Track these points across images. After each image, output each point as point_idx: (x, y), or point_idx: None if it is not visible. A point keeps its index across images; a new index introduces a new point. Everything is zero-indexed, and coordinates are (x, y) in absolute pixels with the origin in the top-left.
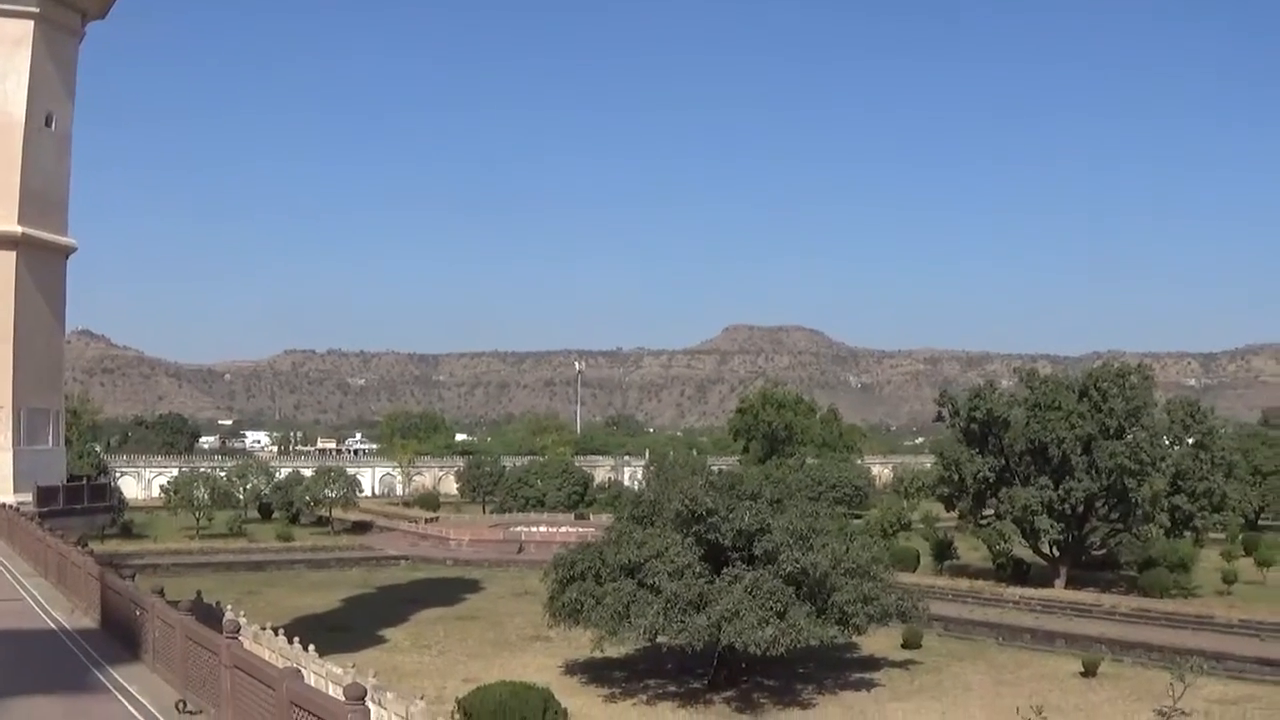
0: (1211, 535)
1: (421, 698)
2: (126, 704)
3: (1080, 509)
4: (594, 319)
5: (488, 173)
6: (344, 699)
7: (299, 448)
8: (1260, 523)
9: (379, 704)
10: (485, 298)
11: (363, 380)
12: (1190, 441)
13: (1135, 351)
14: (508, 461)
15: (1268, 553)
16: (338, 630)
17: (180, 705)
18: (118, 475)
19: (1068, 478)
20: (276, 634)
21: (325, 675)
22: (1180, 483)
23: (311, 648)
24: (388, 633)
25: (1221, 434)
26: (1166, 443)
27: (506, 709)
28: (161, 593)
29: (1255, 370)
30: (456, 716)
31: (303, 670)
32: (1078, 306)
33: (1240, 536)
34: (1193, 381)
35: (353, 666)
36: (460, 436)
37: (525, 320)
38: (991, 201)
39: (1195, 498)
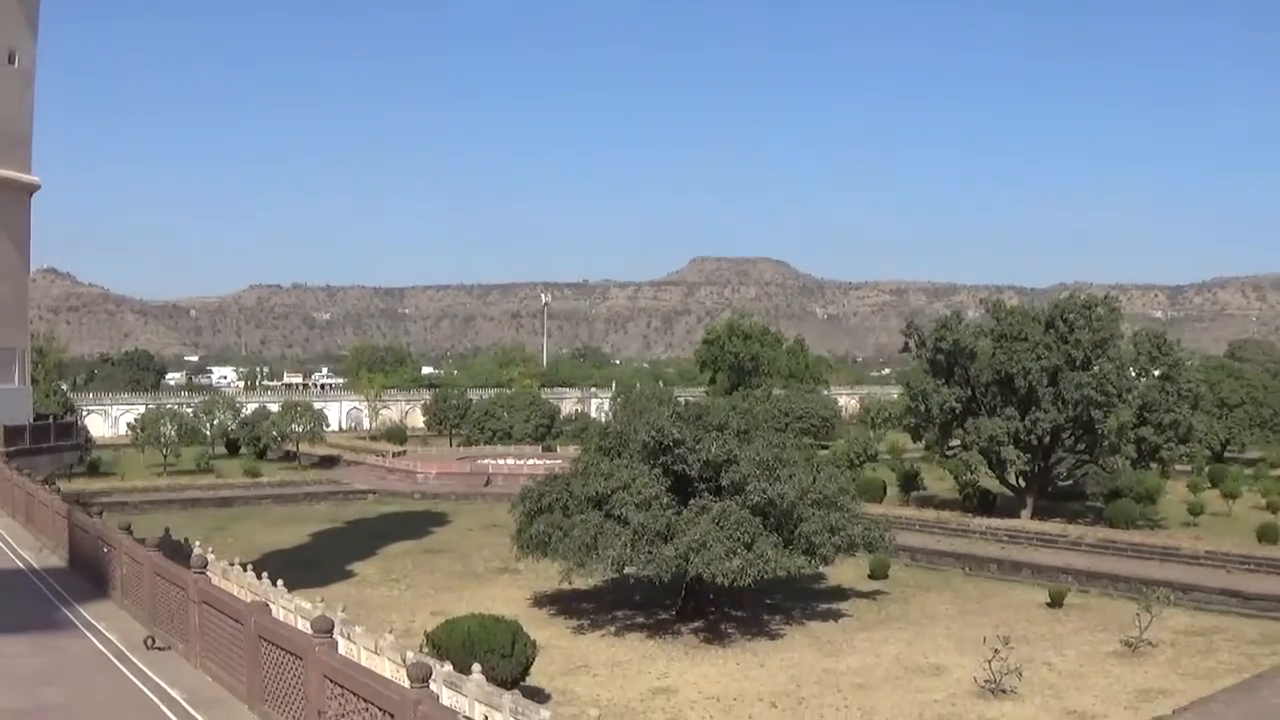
0: (1178, 467)
1: (390, 631)
2: (95, 641)
3: (1046, 440)
4: (560, 251)
5: (455, 107)
6: (312, 632)
7: (265, 383)
8: (1226, 455)
9: (348, 638)
10: (451, 231)
11: (328, 315)
12: (1157, 373)
13: (1102, 283)
14: (474, 394)
15: (1234, 485)
16: (306, 565)
17: (149, 641)
18: (84, 413)
19: (1034, 409)
20: (245, 570)
21: (294, 610)
22: (1146, 414)
23: (280, 583)
24: (356, 567)
25: (1188, 366)
26: (1133, 374)
27: (475, 641)
28: (129, 530)
29: (1222, 303)
30: (425, 649)
31: (271, 605)
32: (1045, 238)
33: (1206, 469)
34: (1159, 314)
35: (321, 601)
36: (426, 370)
37: (491, 253)
38: (958, 133)
39: (1161, 429)
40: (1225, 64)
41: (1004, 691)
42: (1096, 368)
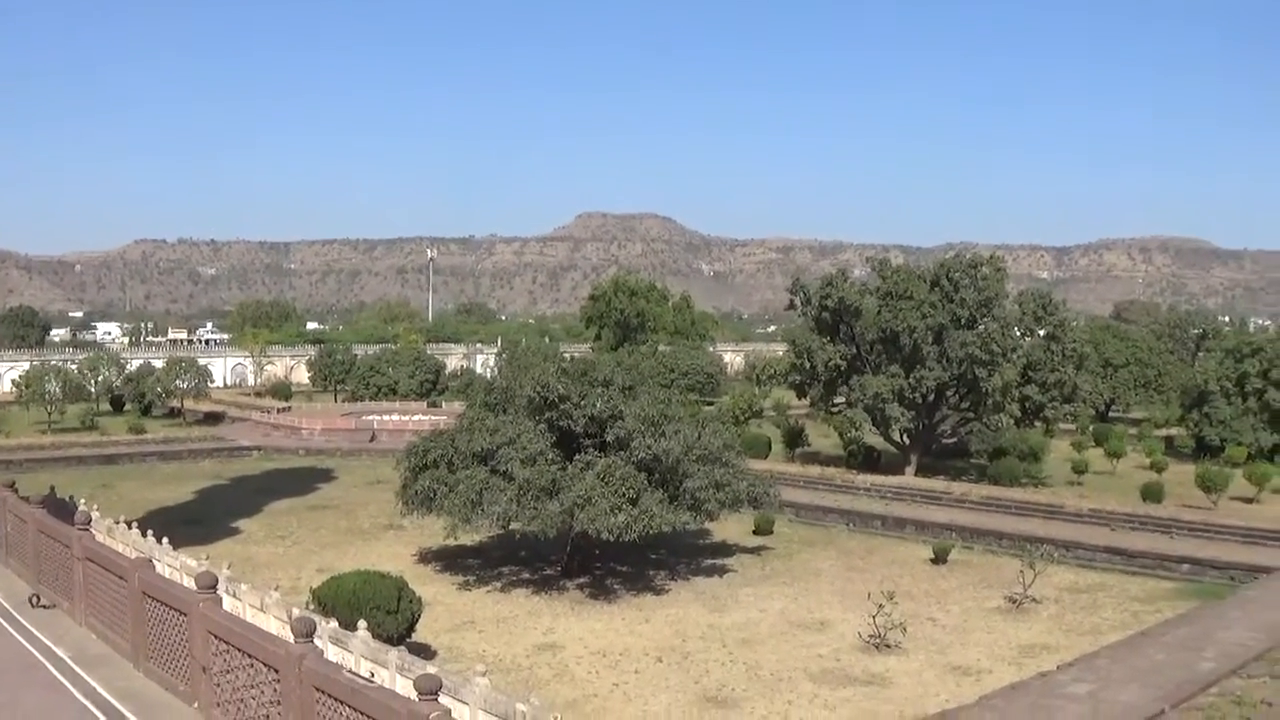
0: (1062, 426)
1: (276, 588)
2: None
3: (931, 398)
4: (446, 205)
5: (337, 57)
6: (195, 588)
7: (150, 339)
8: (1111, 414)
9: (234, 595)
10: (336, 184)
11: (213, 269)
12: (1042, 333)
13: (988, 243)
14: (359, 350)
15: (1118, 444)
16: (191, 523)
17: (34, 599)
18: None
19: (919, 367)
20: (130, 527)
21: (179, 567)
22: (1031, 373)
23: (165, 540)
24: (241, 524)
25: (1073, 326)
26: (1018, 334)
27: (360, 598)
28: (14, 487)
29: (1107, 264)
30: (311, 606)
31: (156, 562)
32: (931, 197)
33: (1091, 428)
34: (1046, 274)
35: (207, 558)
36: (312, 325)
37: (377, 207)
38: (845, 90)
39: (1046, 388)
40: (1119, 30)
41: (888, 646)
42: (981, 327)
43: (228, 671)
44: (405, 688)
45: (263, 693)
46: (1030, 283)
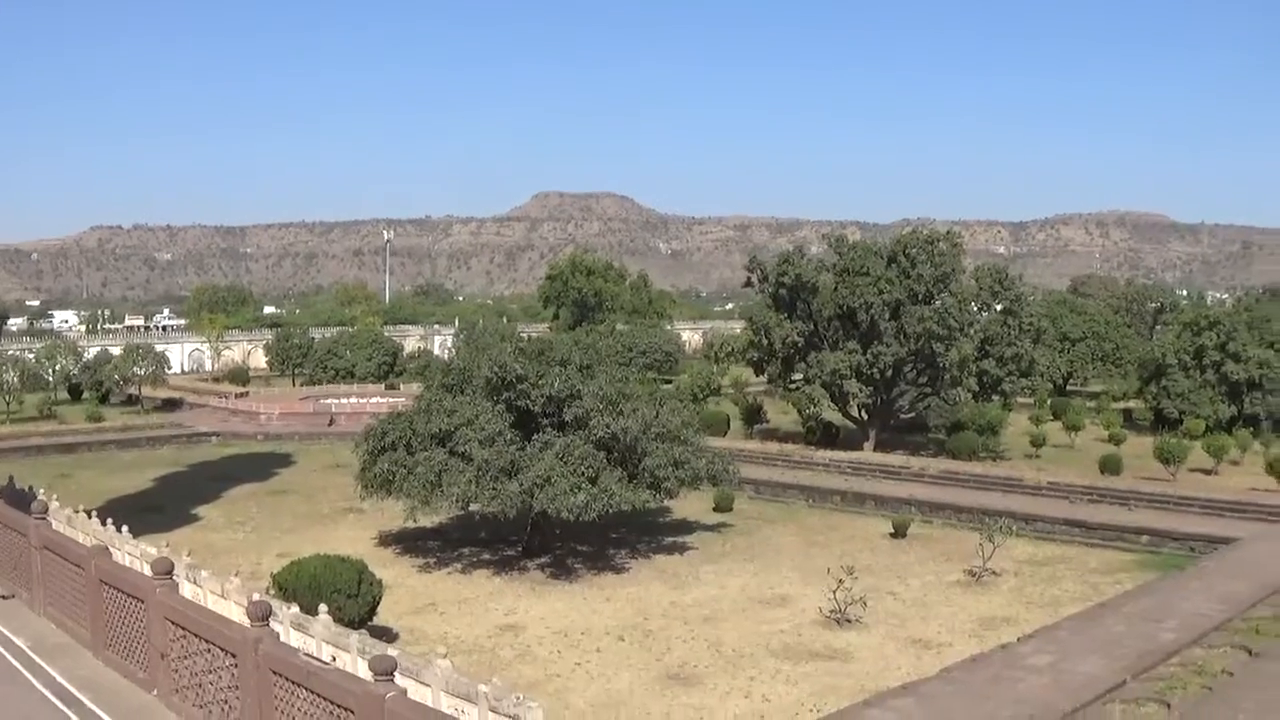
0: (1020, 400)
1: (236, 574)
2: None
3: (889, 373)
4: (402, 187)
5: (290, 39)
6: (152, 574)
7: (107, 326)
8: (1069, 388)
9: (195, 582)
10: (291, 167)
11: (169, 255)
12: (999, 308)
13: (945, 219)
14: (316, 333)
15: (1076, 417)
16: (150, 510)
17: None
18: None
19: (876, 342)
20: (89, 516)
21: (139, 555)
22: (988, 348)
23: (125, 529)
24: (201, 511)
25: (1030, 301)
26: (975, 309)
27: (321, 582)
28: None
29: (1065, 239)
30: (272, 592)
31: (114, 550)
32: (888, 174)
33: (1049, 402)
34: (1003, 249)
35: (167, 546)
36: (268, 309)
37: (332, 189)
38: (797, 64)
39: (1003, 363)
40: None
41: (849, 621)
42: (938, 302)
43: (186, 657)
44: (366, 670)
45: (221, 677)
46: (987, 258)
